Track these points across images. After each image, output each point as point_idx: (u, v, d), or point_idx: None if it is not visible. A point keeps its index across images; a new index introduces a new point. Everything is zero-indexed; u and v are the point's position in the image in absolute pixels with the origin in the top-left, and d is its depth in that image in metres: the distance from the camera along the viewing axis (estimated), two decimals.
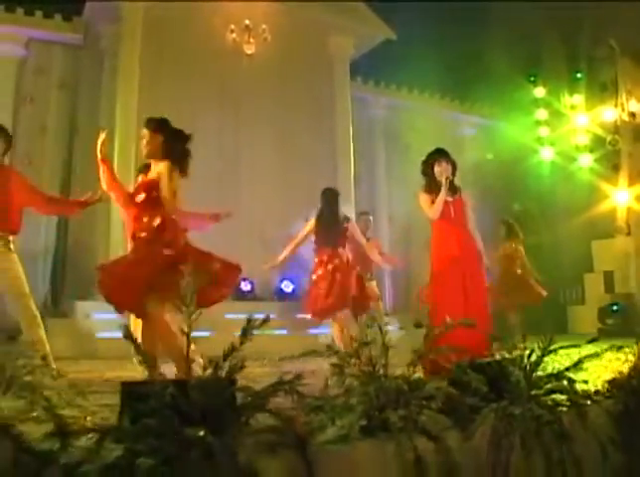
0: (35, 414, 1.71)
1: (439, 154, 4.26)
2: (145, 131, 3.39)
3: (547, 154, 10.65)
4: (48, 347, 3.83)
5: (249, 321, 1.81)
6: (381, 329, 2.28)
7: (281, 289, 7.95)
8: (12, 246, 3.94)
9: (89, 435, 1.66)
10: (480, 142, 11.24)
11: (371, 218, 7.05)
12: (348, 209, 8.56)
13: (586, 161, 10.17)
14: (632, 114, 8.85)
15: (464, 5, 11.18)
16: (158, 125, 3.37)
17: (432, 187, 4.22)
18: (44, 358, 3.06)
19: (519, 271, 7.05)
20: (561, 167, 10.43)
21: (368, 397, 2.06)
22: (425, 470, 1.99)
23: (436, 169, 4.16)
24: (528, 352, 2.48)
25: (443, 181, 4.06)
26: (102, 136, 4.62)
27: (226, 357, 1.71)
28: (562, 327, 8.87)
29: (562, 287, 9.60)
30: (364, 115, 10.15)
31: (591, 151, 10.23)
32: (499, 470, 2.17)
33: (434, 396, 2.22)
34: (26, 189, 4.13)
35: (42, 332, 3.86)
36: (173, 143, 3.31)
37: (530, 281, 7.09)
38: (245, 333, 1.79)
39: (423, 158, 4.37)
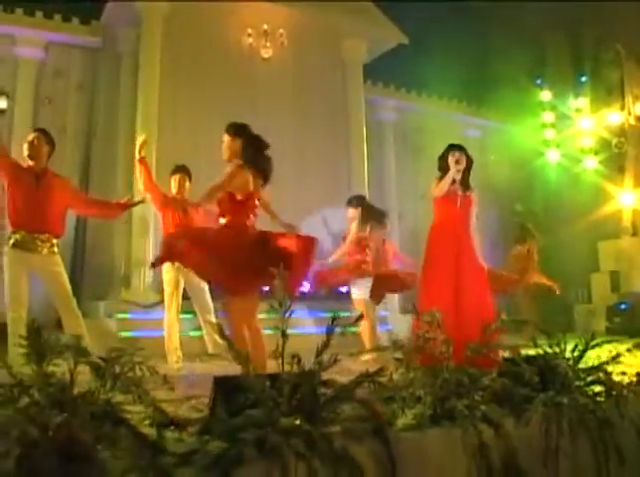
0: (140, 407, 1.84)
1: (454, 146, 4.39)
2: (225, 136, 3.53)
3: (553, 156, 10.85)
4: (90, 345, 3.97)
5: (334, 319, 1.97)
6: (439, 325, 2.45)
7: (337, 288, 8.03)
8: (56, 249, 4.05)
9: (190, 427, 1.82)
10: (486, 144, 11.44)
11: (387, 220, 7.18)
12: None
13: (592, 163, 10.37)
14: (638, 118, 9.06)
15: (470, 9, 11.38)
16: (237, 130, 3.52)
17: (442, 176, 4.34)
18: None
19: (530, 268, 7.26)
20: (567, 169, 10.62)
21: (433, 388, 2.24)
22: (488, 454, 2.17)
23: (450, 159, 4.21)
24: (571, 346, 2.67)
25: (453, 164, 4.15)
26: (142, 139, 4.80)
27: (319, 353, 1.87)
28: (569, 325, 9.07)
29: (569, 287, 9.81)
30: (373, 117, 10.32)
31: (596, 153, 10.42)
32: (550, 454, 2.35)
33: (491, 386, 2.41)
34: (69, 191, 4.25)
35: (85, 333, 3.99)
36: (250, 147, 3.45)
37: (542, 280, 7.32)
38: (331, 331, 1.95)
39: (439, 155, 4.50)
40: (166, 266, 4.95)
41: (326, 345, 1.88)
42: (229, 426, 1.71)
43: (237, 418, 1.73)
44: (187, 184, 5.19)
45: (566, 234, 9.86)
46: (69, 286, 4.02)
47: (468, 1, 11.46)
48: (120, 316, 6.77)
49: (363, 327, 5.27)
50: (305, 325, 6.74)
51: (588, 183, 10.16)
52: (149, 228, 7.22)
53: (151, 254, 7.16)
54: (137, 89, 8.33)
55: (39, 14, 8.35)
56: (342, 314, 2.03)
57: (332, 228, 8.51)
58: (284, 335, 1.84)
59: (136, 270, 7.17)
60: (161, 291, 7.09)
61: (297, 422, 1.73)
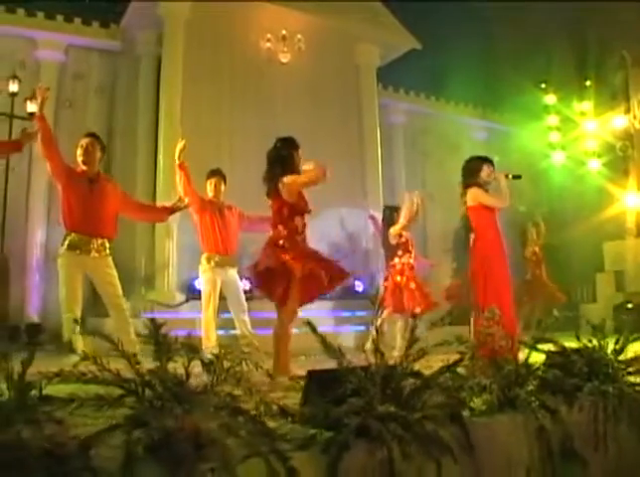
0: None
1: (486, 159, 4.62)
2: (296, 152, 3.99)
3: (557, 158, 11.09)
4: (138, 347, 4.08)
5: (415, 316, 2.18)
6: (498, 322, 2.66)
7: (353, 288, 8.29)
8: (108, 252, 4.17)
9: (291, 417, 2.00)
10: (492, 146, 11.66)
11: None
12: (377, 212, 8.95)
13: (595, 165, 10.63)
14: None
15: (477, 14, 11.60)
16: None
17: (480, 184, 4.56)
18: (135, 355, 3.36)
19: (542, 273, 7.51)
20: (572, 171, 10.87)
21: (496, 378, 2.44)
22: (547, 438, 2.38)
23: (486, 171, 4.42)
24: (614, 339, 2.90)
25: (502, 176, 4.39)
26: (181, 145, 4.98)
27: (407, 348, 2.07)
28: (576, 323, 9.28)
29: (574, 286, 10.08)
30: (384, 120, 10.51)
31: (600, 156, 10.68)
32: (599, 438, 2.56)
33: (545, 377, 2.62)
34: (121, 196, 4.39)
35: (133, 334, 4.10)
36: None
37: (551, 284, 7.56)
38: (413, 330, 2.16)
39: (468, 159, 4.69)
40: (203, 267, 5.12)
41: (414, 340, 2.08)
42: (332, 414, 1.89)
43: (340, 407, 1.91)
44: (222, 187, 5.35)
45: (572, 234, 10.10)
46: (120, 288, 4.14)
47: (474, 2, 11.66)
48: (147, 316, 6.88)
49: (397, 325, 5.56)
50: (325, 324, 6.95)
51: (593, 185, 10.42)
52: (173, 229, 7.38)
53: (175, 256, 7.34)
54: (156, 92, 8.52)
55: (59, 17, 8.50)
56: (359, 313, 2.25)
57: (347, 228, 8.73)
58: (377, 331, 2.03)
59: (160, 271, 7.33)
60: (185, 291, 7.30)
61: (392, 409, 1.92)
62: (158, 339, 1.88)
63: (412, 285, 6.02)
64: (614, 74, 10.16)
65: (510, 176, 4.51)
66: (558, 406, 2.47)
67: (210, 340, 5.01)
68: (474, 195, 4.42)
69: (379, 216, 7.52)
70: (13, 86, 6.94)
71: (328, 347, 2.09)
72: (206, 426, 1.63)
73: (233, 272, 5.19)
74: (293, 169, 3.92)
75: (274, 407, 1.99)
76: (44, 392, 1.66)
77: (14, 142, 4.03)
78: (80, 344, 3.69)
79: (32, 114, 7.13)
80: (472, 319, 7.21)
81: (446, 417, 2.09)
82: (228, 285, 5.15)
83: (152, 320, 1.95)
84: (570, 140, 11.12)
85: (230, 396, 1.84)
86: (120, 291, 4.14)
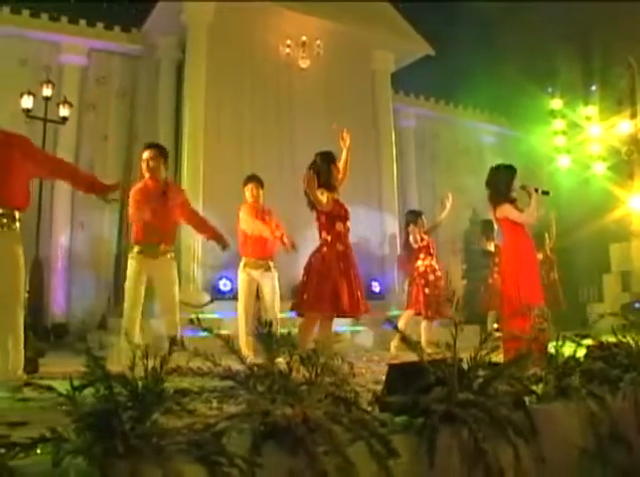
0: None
1: (515, 169, 4.84)
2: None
3: (564, 162, 11.36)
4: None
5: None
6: (546, 318, 2.90)
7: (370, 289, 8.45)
8: (173, 255, 4.30)
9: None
10: (500, 150, 11.92)
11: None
12: (392, 214, 9.19)
13: (600, 169, 10.91)
14: None
15: (484, 21, 11.87)
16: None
17: (509, 199, 4.78)
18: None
19: (555, 276, 7.78)
20: (578, 174, 11.14)
21: (550, 369, 2.67)
22: (597, 424, 2.61)
23: (515, 183, 4.56)
24: None
25: (533, 190, 4.56)
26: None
27: (482, 342, 2.30)
28: (583, 322, 9.56)
29: (581, 286, 10.36)
30: (395, 125, 10.75)
31: (604, 160, 10.96)
32: None
33: (591, 368, 2.85)
34: (187, 207, 4.49)
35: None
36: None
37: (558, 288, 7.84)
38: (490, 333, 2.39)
39: (495, 168, 4.88)
40: (240, 270, 5.32)
41: (490, 335, 2.32)
42: (420, 402, 2.11)
43: (427, 395, 2.13)
44: (260, 192, 5.50)
45: (578, 236, 10.35)
46: (177, 293, 4.26)
47: (481, 7, 11.90)
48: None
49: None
50: (341, 324, 7.15)
51: (598, 188, 10.68)
52: None
53: (200, 256, 7.53)
54: (176, 95, 8.72)
55: (82, 22, 8.69)
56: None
57: (364, 230, 8.93)
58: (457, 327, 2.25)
59: (186, 273, 7.50)
60: (210, 292, 7.49)
61: (471, 396, 2.15)
62: (268, 336, 2.07)
63: (427, 291, 6.17)
64: (620, 79, 10.43)
65: (540, 191, 4.63)
66: (604, 395, 2.71)
67: (245, 343, 5.09)
68: (505, 212, 4.49)
69: (394, 218, 7.76)
70: (47, 91, 7.11)
71: (410, 343, 2.31)
72: (313, 414, 1.83)
73: (269, 275, 5.37)
74: (330, 181, 4.25)
75: (364, 397, 2.20)
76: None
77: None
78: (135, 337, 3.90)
79: (65, 119, 7.32)
80: (489, 320, 7.48)
81: (510, 404, 2.32)
82: (263, 287, 5.34)
83: (259, 319, 2.15)
84: (576, 144, 11.39)
85: (333, 385, 2.04)
86: (177, 296, 4.24)
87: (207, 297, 7.34)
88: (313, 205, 4.19)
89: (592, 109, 11.23)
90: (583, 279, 10.28)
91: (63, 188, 8.23)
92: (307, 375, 2.07)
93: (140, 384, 1.60)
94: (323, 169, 4.23)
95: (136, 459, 1.37)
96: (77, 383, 1.51)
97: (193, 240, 7.50)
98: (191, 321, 2.12)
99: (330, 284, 3.95)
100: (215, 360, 2.04)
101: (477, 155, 11.64)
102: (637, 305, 8.52)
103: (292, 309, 4.19)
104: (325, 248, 4.11)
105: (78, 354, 4.12)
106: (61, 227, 8.20)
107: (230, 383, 1.97)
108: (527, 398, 2.51)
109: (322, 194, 4.09)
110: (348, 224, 4.28)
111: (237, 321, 5.46)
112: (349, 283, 4.03)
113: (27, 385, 1.54)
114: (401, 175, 10.82)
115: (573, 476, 2.47)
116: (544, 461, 2.27)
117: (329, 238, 4.14)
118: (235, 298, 5.97)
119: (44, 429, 1.40)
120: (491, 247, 7.49)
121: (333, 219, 4.19)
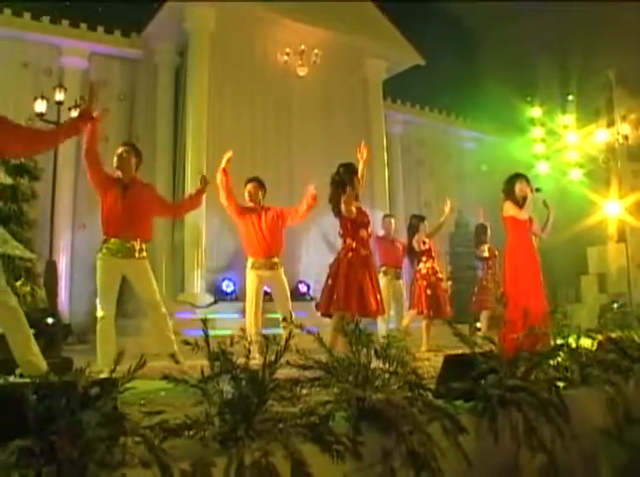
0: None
1: (521, 176, 5.28)
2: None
3: (543, 168, 11.89)
4: (176, 346, 4.07)
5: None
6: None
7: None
8: (145, 254, 4.19)
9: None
10: (480, 156, 12.41)
11: (392, 219, 7.33)
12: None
13: (578, 175, 11.46)
14: (625, 137, 10.15)
15: (466, 33, 12.37)
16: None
17: (513, 200, 5.20)
18: (172, 355, 3.53)
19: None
20: (556, 180, 11.67)
21: (571, 360, 3.02)
22: (615, 408, 2.97)
23: (517, 186, 5.10)
24: None
25: (529, 191, 5.01)
26: (228, 155, 5.38)
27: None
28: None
29: (560, 288, 10.88)
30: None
31: (581, 167, 11.51)
32: None
33: (605, 359, 3.21)
34: (157, 199, 4.44)
35: (172, 332, 4.25)
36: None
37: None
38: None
39: (508, 177, 5.31)
40: (248, 270, 5.42)
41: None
42: (478, 388, 2.42)
43: (484, 382, 2.44)
44: (260, 193, 5.58)
45: (557, 240, 10.86)
46: (157, 289, 4.22)
47: (462, 18, 12.36)
48: (181, 316, 7.17)
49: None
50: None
51: (576, 194, 11.22)
52: (202, 233, 7.76)
53: (204, 258, 7.73)
54: (174, 100, 8.91)
55: (83, 26, 8.80)
56: None
57: None
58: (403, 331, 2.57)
59: (190, 274, 7.69)
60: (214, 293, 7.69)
61: (518, 383, 2.48)
62: (355, 332, 2.34)
63: (429, 292, 6.52)
64: (597, 90, 10.97)
65: (533, 189, 5.16)
66: (619, 382, 3.07)
67: (252, 344, 5.24)
68: (504, 207, 5.08)
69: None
70: (59, 95, 7.21)
71: (463, 339, 2.61)
72: (395, 399, 2.12)
73: (277, 274, 5.41)
74: (354, 191, 4.58)
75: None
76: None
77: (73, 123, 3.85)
78: None
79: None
80: (482, 319, 7.85)
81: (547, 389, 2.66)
82: (273, 287, 5.44)
83: (343, 317, 2.42)
84: (554, 151, 11.93)
85: (413, 374, 2.33)
86: (157, 293, 4.21)
87: (210, 298, 7.54)
88: (338, 212, 4.48)
89: (570, 118, 11.78)
90: (562, 281, 10.79)
91: (65, 189, 8.34)
92: (382, 366, 2.35)
93: (260, 374, 1.85)
94: (347, 180, 4.52)
95: (265, 441, 1.62)
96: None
97: (197, 242, 7.71)
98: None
99: (357, 286, 4.25)
100: (306, 354, 2.29)
101: (459, 161, 12.10)
102: (615, 306, 9.02)
103: (318, 309, 4.47)
104: (351, 253, 4.42)
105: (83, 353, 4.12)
106: (62, 227, 8.29)
107: (319, 373, 2.24)
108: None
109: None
110: (369, 229, 4.60)
111: (239, 322, 5.56)
112: (373, 286, 4.35)
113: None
114: (390, 179, 11.19)
115: (597, 454, 2.83)
116: (576, 439, 2.62)
117: (354, 244, 4.45)
118: (237, 299, 6.16)
119: (181, 416, 1.62)
120: (485, 253, 7.83)
121: (357, 226, 4.52)
